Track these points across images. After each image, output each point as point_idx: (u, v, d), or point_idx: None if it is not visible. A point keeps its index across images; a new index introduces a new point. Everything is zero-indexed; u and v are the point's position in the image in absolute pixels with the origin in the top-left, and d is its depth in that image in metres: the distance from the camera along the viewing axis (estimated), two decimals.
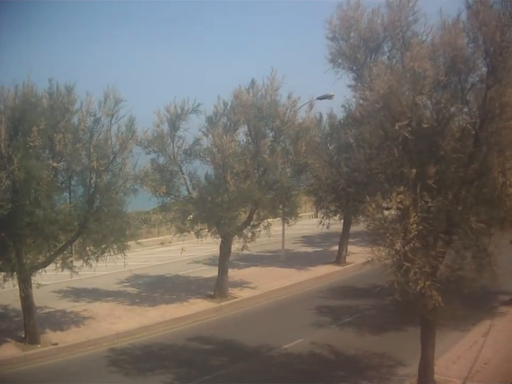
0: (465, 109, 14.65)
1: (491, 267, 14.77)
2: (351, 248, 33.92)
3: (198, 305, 24.73)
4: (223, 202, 23.11)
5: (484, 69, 14.38)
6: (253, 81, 24.83)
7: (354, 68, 15.57)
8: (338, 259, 33.51)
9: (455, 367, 17.92)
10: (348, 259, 33.51)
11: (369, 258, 13.95)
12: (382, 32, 15.48)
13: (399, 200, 13.56)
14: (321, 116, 22.84)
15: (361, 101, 15.23)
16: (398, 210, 14.15)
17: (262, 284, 28.29)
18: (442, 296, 14.14)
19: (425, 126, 13.72)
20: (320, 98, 30.36)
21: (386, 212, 14.70)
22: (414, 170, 13.77)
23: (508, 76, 14.10)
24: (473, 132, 14.20)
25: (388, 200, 14.22)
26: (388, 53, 15.63)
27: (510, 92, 13.83)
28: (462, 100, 14.49)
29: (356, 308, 24.84)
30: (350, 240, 34.39)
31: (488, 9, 13.97)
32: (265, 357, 19.65)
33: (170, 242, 36.18)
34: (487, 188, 14.49)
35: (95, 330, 21.39)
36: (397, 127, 13.52)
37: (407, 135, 13.66)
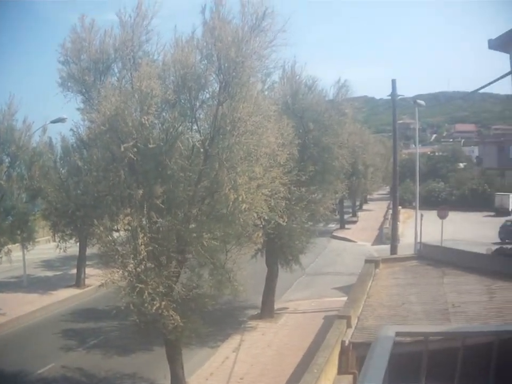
0: (195, 127, 14.85)
1: (231, 283, 15.09)
2: (89, 271, 32.72)
3: None
4: None
5: (216, 85, 14.63)
6: None
7: (83, 90, 15.32)
8: (78, 282, 33.02)
9: None
10: (87, 281, 32.90)
11: (103, 281, 13.73)
12: (113, 53, 15.36)
13: (126, 222, 13.44)
14: (51, 140, 22.60)
15: (89, 124, 15.02)
16: (127, 232, 14.03)
17: (8, 310, 27.13)
18: (182, 315, 14.19)
19: (151, 146, 13.66)
20: (53, 122, 29.77)
21: (117, 234, 14.54)
22: (141, 191, 13.67)
23: (241, 91, 14.42)
24: (203, 149, 14.38)
25: (117, 222, 14.09)
26: (118, 74, 15.51)
27: (242, 107, 14.14)
28: (192, 118, 14.64)
29: (99, 330, 24.44)
30: (88, 262, 33.27)
31: (225, 24, 14.22)
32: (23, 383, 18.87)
33: None
34: (220, 204, 14.75)
35: None
36: (122, 149, 13.35)
37: (132, 156, 13.56)
